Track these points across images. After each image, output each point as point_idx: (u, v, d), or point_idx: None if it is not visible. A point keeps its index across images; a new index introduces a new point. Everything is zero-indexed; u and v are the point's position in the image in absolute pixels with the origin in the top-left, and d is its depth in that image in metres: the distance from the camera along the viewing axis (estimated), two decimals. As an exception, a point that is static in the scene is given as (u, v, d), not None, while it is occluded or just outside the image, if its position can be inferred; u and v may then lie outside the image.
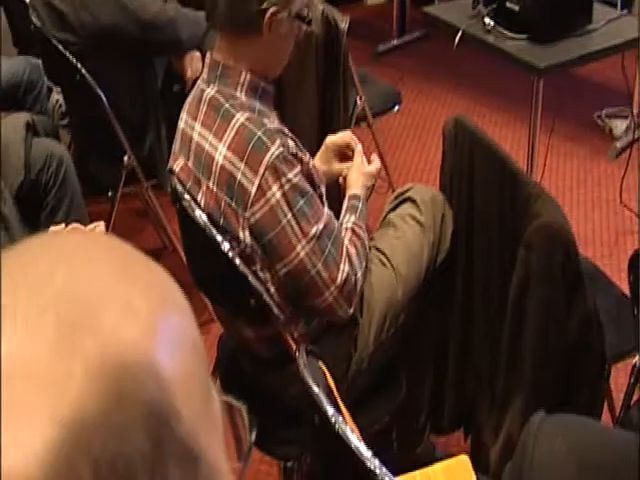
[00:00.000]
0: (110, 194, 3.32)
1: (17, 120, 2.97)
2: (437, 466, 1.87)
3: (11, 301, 0.48)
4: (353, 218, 2.24)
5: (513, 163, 2.28)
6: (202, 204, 2.10)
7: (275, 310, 2.07)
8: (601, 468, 1.23)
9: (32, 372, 0.45)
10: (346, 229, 2.20)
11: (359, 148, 2.37)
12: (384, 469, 1.36)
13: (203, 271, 2.31)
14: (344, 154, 2.40)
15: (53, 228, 2.07)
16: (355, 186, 2.32)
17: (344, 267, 2.09)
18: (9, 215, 2.61)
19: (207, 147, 2.08)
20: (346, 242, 2.15)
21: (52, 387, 0.45)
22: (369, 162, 2.36)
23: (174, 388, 0.50)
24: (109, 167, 3.29)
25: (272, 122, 2.07)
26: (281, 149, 1.99)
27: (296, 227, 2.02)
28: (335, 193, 2.35)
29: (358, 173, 2.33)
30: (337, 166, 2.39)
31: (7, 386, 0.44)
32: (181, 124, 2.22)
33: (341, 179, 2.36)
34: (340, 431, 1.42)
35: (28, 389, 0.45)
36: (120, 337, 0.48)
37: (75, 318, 0.48)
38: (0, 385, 0.44)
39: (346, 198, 2.30)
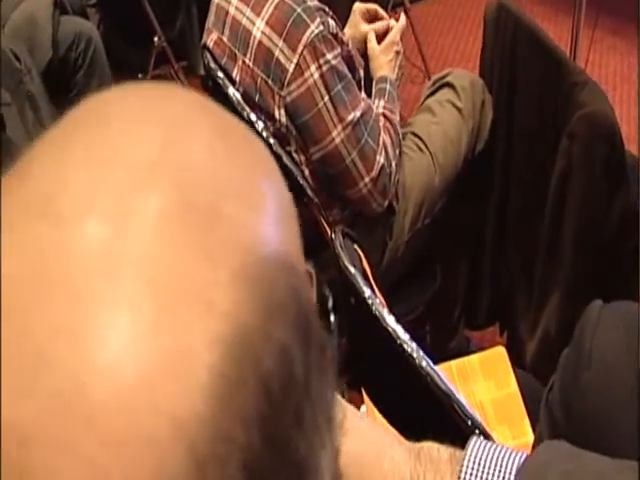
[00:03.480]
0: (140, 77, 3.26)
1: (44, -3, 2.90)
2: (473, 357, 1.85)
3: (125, 180, 0.39)
4: (382, 102, 2.19)
5: (558, 49, 2.20)
6: (237, 80, 2.05)
7: (309, 192, 2.03)
8: None
9: (171, 277, 0.36)
10: (377, 114, 2.13)
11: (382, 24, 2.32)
12: (421, 352, 1.32)
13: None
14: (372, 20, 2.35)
15: None
16: (377, 70, 2.26)
17: (379, 158, 2.04)
18: (37, 94, 2.56)
19: (244, 22, 2.01)
20: (381, 131, 2.09)
21: (199, 297, 0.37)
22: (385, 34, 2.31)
23: (301, 270, 0.43)
24: (139, 48, 3.23)
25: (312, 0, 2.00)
26: (321, 27, 1.93)
27: (332, 111, 1.98)
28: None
29: (377, 56, 2.28)
30: (364, 28, 2.33)
31: (145, 293, 0.36)
32: (215, -2, 2.15)
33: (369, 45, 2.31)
34: (377, 313, 1.38)
35: (172, 299, 0.36)
36: (252, 230, 0.40)
37: (203, 207, 0.39)
38: (130, 297, 0.36)
39: (374, 83, 2.25)
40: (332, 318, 0.54)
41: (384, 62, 2.26)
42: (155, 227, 0.38)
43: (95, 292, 0.36)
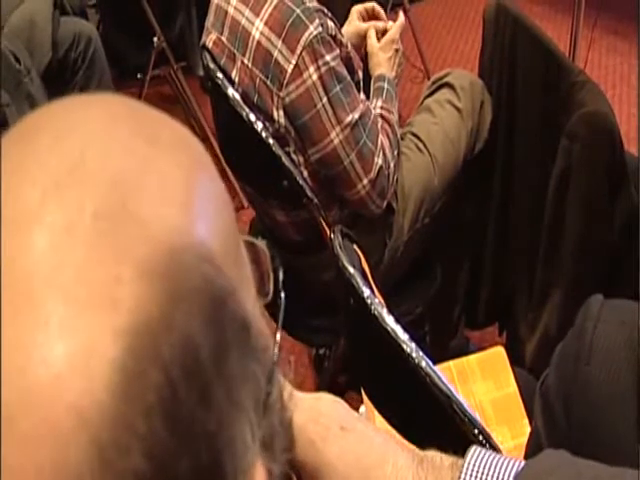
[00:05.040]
0: (139, 77, 3.26)
1: (44, -3, 2.89)
2: (472, 357, 1.85)
3: (38, 193, 0.41)
4: (380, 102, 2.18)
5: (558, 50, 2.19)
6: (236, 81, 2.04)
7: (308, 193, 2.02)
8: None
9: (80, 283, 0.39)
10: (375, 116, 2.13)
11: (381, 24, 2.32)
12: (420, 352, 1.32)
13: (235, 152, 2.25)
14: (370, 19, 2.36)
15: None
16: (376, 68, 2.26)
17: (378, 160, 2.04)
18: (36, 95, 2.55)
19: (243, 22, 2.01)
20: (379, 132, 2.08)
21: (104, 297, 0.39)
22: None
23: (222, 260, 0.45)
24: (138, 49, 3.22)
25: (311, 1, 1.99)
26: (320, 29, 1.93)
27: (331, 113, 1.97)
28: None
29: (375, 53, 2.27)
30: (361, 25, 2.33)
31: (57, 304, 0.39)
32: (215, -1, 2.14)
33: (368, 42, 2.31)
34: (376, 313, 1.38)
35: (80, 304, 0.39)
36: (163, 224, 0.42)
37: (112, 209, 0.41)
38: (40, 304, 0.39)
39: (372, 81, 2.24)
40: (282, 295, 0.58)
41: (383, 59, 2.26)
42: (67, 235, 0.40)
43: (12, 303, 0.39)
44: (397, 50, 2.28)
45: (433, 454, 0.72)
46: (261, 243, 0.56)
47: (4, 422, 0.37)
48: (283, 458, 0.53)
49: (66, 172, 0.42)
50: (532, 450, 1.30)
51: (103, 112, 0.47)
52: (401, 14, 2.38)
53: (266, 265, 0.56)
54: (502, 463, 0.69)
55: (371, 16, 2.35)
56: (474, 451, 0.71)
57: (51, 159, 0.43)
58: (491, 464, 0.69)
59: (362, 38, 2.31)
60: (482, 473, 0.68)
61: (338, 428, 0.73)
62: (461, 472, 0.69)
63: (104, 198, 0.41)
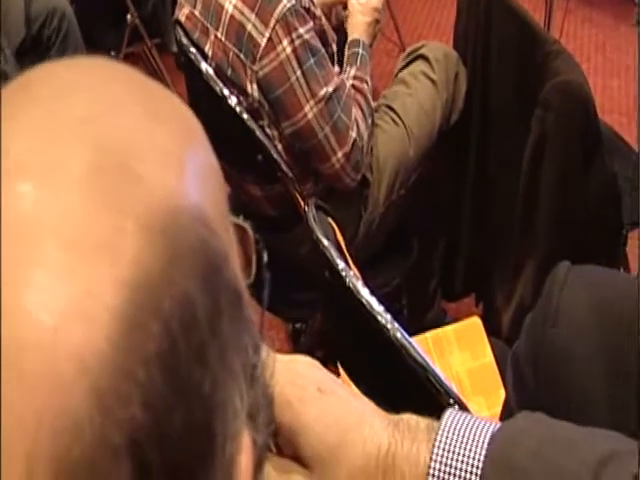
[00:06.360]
0: (113, 55, 3.23)
1: (15, -26, 2.86)
2: (448, 328, 1.86)
3: (38, 139, 0.42)
4: (353, 70, 2.16)
5: (532, 20, 2.19)
6: (209, 55, 2.03)
7: (283, 167, 2.02)
8: (619, 323, 1.19)
9: (81, 231, 0.40)
10: (349, 87, 2.11)
11: None
12: (396, 324, 1.32)
13: (209, 127, 2.23)
14: None
15: None
16: (353, 30, 2.24)
17: (352, 134, 2.03)
18: (11, 74, 2.53)
19: None
20: (352, 105, 2.07)
21: (106, 247, 0.40)
22: None
23: (215, 225, 0.46)
24: (111, 26, 3.20)
25: None
26: (293, 2, 1.92)
27: (305, 86, 1.96)
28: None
29: (355, 13, 2.25)
30: None
31: (58, 249, 0.39)
32: (187, -27, 2.12)
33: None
34: (351, 285, 1.38)
35: (81, 251, 0.39)
36: (161, 184, 0.43)
37: (114, 167, 0.42)
38: (39, 249, 0.39)
39: (346, 46, 2.22)
40: (267, 276, 0.59)
41: (361, 21, 2.23)
42: (70, 186, 0.41)
43: (14, 250, 0.39)
44: (377, 21, 2.26)
45: (409, 417, 0.72)
46: (247, 225, 0.56)
47: (4, 362, 0.37)
48: (266, 431, 0.54)
49: (69, 124, 0.43)
50: (504, 417, 1.31)
51: (105, 75, 0.49)
52: None
53: (251, 247, 0.57)
54: (478, 425, 0.69)
55: None
56: (449, 413, 0.71)
57: (55, 109, 0.44)
58: (467, 425, 0.69)
59: (329, 8, 2.28)
60: (458, 435, 0.68)
61: (315, 389, 0.73)
62: (437, 434, 0.69)
63: (106, 153, 0.42)
